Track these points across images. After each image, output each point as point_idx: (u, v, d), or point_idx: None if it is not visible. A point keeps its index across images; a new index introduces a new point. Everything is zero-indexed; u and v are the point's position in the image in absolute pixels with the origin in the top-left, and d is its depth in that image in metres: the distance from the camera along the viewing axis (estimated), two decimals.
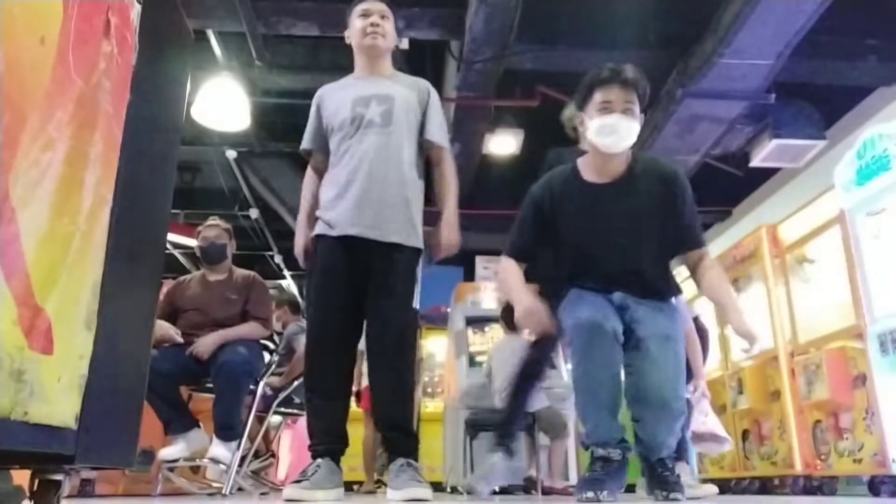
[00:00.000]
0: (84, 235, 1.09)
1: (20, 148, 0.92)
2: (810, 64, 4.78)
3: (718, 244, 6.27)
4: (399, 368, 2.25)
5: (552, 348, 3.40)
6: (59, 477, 1.18)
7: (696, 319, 3.54)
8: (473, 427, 4.27)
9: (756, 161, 5.53)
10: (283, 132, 6.22)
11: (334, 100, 2.41)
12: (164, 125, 1.49)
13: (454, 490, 4.89)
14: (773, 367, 4.58)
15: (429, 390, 6.99)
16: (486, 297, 5.86)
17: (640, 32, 4.65)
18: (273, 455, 4.27)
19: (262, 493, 3.57)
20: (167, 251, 4.35)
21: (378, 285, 2.24)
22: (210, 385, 3.17)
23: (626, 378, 2.11)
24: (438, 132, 2.42)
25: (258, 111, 5.49)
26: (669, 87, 4.94)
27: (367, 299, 2.25)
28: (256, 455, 3.79)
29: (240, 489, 3.30)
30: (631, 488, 3.05)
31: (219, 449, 3.02)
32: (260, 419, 3.64)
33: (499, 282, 2.40)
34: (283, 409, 3.77)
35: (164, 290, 3.37)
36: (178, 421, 3.07)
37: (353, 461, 4.11)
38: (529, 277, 2.27)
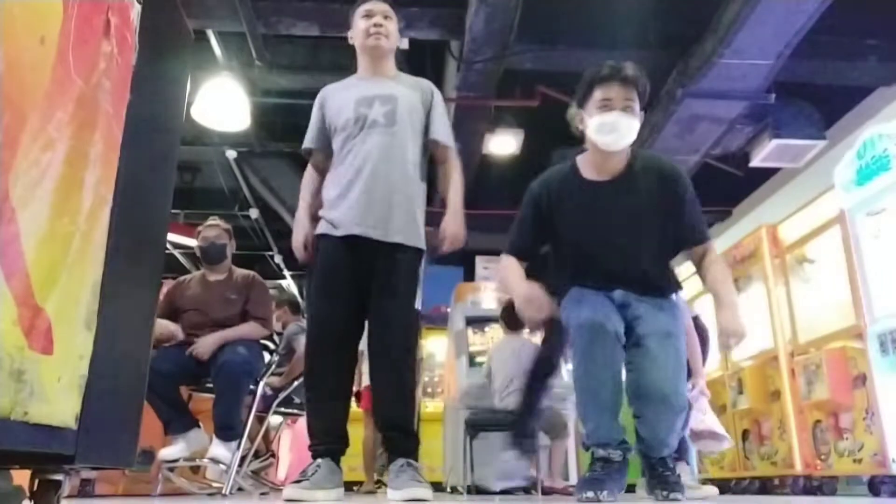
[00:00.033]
0: (84, 235, 1.09)
1: (20, 148, 0.92)
2: (810, 64, 4.78)
3: (718, 244, 6.24)
4: (401, 369, 2.25)
5: (562, 346, 3.39)
6: (59, 477, 1.18)
7: (696, 319, 3.54)
8: (473, 427, 4.27)
9: (756, 161, 5.53)
10: (283, 132, 6.21)
11: (337, 100, 2.41)
12: (164, 125, 1.49)
13: (454, 490, 4.90)
14: (773, 367, 4.58)
15: (429, 390, 6.99)
16: (486, 297, 5.87)
17: (640, 32, 4.65)
18: (273, 455, 4.27)
19: (262, 493, 3.57)
20: (167, 251, 4.36)
21: (381, 285, 2.24)
22: (210, 385, 3.17)
23: (627, 375, 2.11)
24: (444, 132, 2.43)
25: (258, 111, 5.48)
26: (669, 87, 4.94)
27: (370, 299, 2.25)
28: (256, 455, 3.79)
29: (240, 489, 3.30)
30: (631, 488, 3.05)
31: (219, 449, 3.02)
32: (260, 419, 3.64)
33: (499, 279, 2.40)
34: (283, 409, 3.78)
35: (164, 290, 3.38)
36: (178, 421, 3.07)
37: (353, 461, 4.11)
38: (531, 276, 2.27)
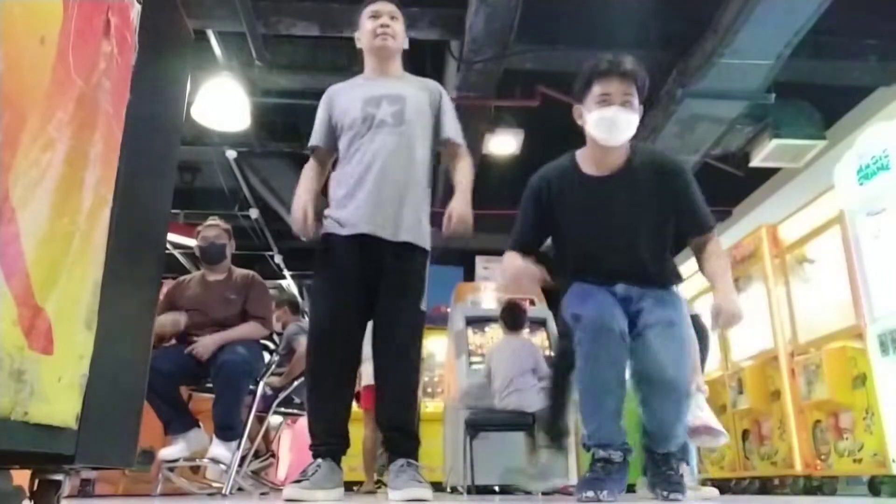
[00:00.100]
0: (84, 235, 1.09)
1: (20, 148, 0.92)
2: (810, 64, 4.78)
3: None
4: (405, 369, 2.25)
5: None
6: (59, 477, 1.18)
7: (695, 318, 3.54)
8: (473, 427, 4.27)
9: (756, 161, 5.53)
10: (283, 132, 6.21)
11: (344, 98, 2.41)
12: (164, 125, 1.49)
13: (454, 490, 4.90)
14: (773, 367, 4.58)
15: (429, 390, 6.99)
16: (486, 297, 5.87)
17: (640, 32, 4.64)
18: (273, 455, 4.27)
19: (262, 493, 3.57)
20: (167, 251, 4.36)
21: (389, 284, 2.24)
22: (210, 385, 3.17)
23: (631, 364, 2.10)
24: (456, 130, 2.45)
25: (258, 111, 5.48)
26: (669, 87, 4.93)
27: (377, 298, 2.25)
28: (256, 455, 3.79)
29: (240, 489, 3.30)
30: (631, 488, 3.05)
31: (219, 449, 3.02)
32: (260, 419, 3.64)
33: (500, 272, 2.40)
34: (283, 409, 3.78)
35: (164, 290, 3.38)
36: (178, 421, 3.07)
37: (353, 461, 4.11)
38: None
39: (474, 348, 5.41)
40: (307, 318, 5.29)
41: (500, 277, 2.29)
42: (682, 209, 2.19)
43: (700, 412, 3.17)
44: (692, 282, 3.63)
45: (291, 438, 5.66)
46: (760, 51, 4.33)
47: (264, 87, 5.27)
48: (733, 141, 5.58)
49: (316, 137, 2.46)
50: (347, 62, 4.99)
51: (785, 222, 4.73)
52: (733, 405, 4.92)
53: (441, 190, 5.68)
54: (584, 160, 2.24)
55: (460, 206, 2.29)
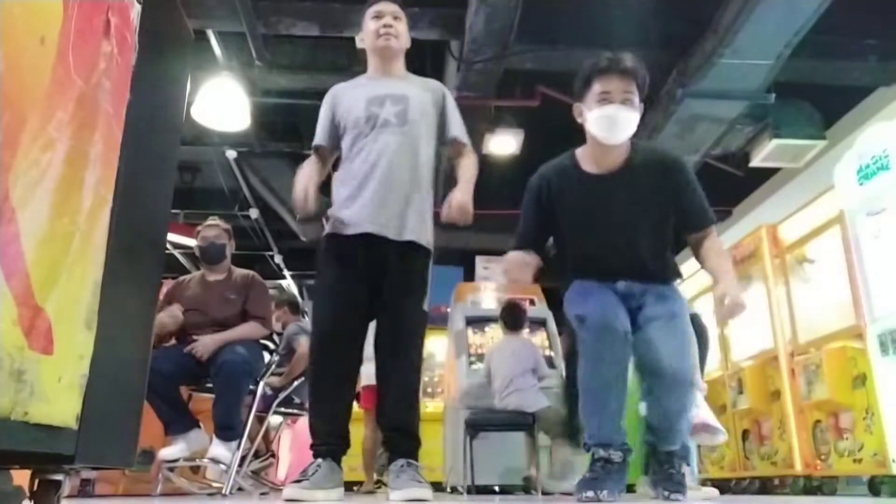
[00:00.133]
0: (84, 235, 1.09)
1: (20, 148, 0.92)
2: (810, 64, 4.78)
3: None
4: (407, 369, 2.26)
5: None
6: (59, 477, 1.18)
7: (695, 318, 3.53)
8: (473, 427, 4.27)
9: (756, 161, 5.53)
10: (283, 132, 6.22)
11: (347, 98, 2.42)
12: (164, 125, 1.49)
13: (454, 490, 4.90)
14: (773, 367, 4.58)
15: (429, 390, 6.99)
16: (486, 297, 5.87)
17: (640, 32, 4.64)
18: (273, 455, 4.27)
19: (262, 493, 3.57)
20: (167, 251, 4.36)
21: (392, 284, 2.24)
22: (210, 385, 3.17)
23: (635, 357, 2.10)
24: (461, 130, 2.46)
25: (258, 111, 5.49)
26: (669, 87, 4.93)
27: (380, 298, 2.25)
28: (256, 455, 3.79)
29: (240, 489, 3.29)
30: (631, 488, 3.05)
31: (219, 449, 3.02)
32: (260, 419, 3.64)
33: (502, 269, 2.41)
34: (283, 409, 3.78)
35: (164, 290, 3.38)
36: (179, 421, 3.07)
37: (353, 461, 4.11)
38: (547, 277, 2.29)
39: (474, 348, 5.41)
40: (307, 318, 5.31)
41: (500, 268, 2.31)
42: (683, 204, 2.18)
43: (698, 410, 3.17)
44: (692, 282, 3.63)
45: (291, 438, 5.66)
46: (760, 51, 4.33)
47: (264, 87, 5.27)
48: (733, 141, 5.58)
49: (319, 137, 2.46)
50: (347, 62, 4.99)
51: (785, 222, 4.73)
52: (733, 405, 4.92)
53: (441, 192, 5.68)
54: (584, 158, 2.23)
55: (461, 194, 2.29)
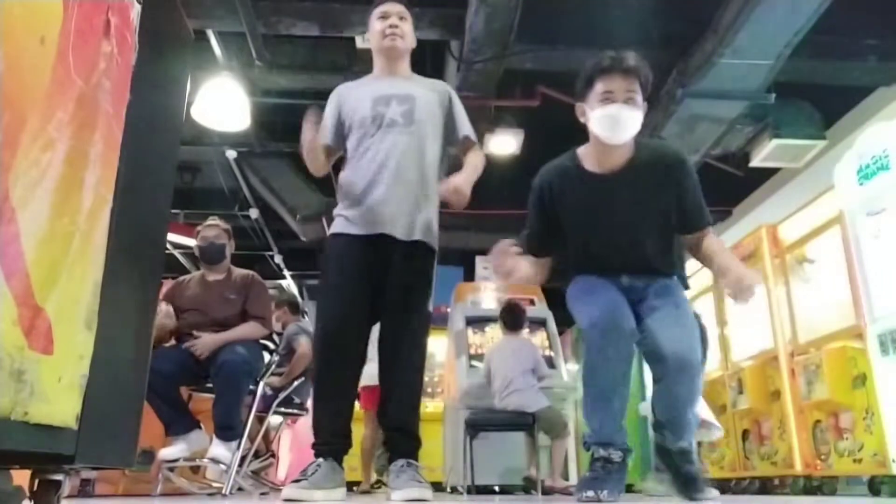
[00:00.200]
0: (84, 235, 1.09)
1: (20, 148, 0.92)
2: (810, 64, 4.78)
3: None
4: (410, 370, 2.26)
5: None
6: (59, 477, 1.18)
7: (695, 318, 3.54)
8: (473, 427, 4.27)
9: (756, 161, 5.53)
10: (283, 132, 6.21)
11: (353, 97, 2.43)
12: (164, 125, 1.49)
13: (454, 490, 4.90)
14: (773, 367, 4.58)
15: (429, 390, 6.99)
16: (486, 297, 5.87)
17: (640, 32, 4.64)
18: (273, 455, 4.27)
19: (262, 493, 3.57)
20: (167, 251, 4.36)
21: (397, 283, 2.24)
22: (210, 385, 3.17)
23: (642, 347, 2.09)
24: (469, 128, 2.49)
25: (258, 111, 5.48)
26: (669, 87, 4.93)
27: (384, 297, 2.25)
28: (256, 455, 3.79)
29: (240, 489, 3.30)
30: (630, 489, 3.05)
31: (219, 449, 3.02)
32: (260, 419, 3.64)
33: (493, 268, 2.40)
34: (283, 409, 3.78)
35: (164, 290, 3.38)
36: (179, 422, 3.07)
37: (354, 461, 4.12)
38: (557, 277, 2.29)
39: (474, 348, 5.41)
40: (307, 318, 5.30)
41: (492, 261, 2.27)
42: (683, 204, 2.17)
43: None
44: (692, 282, 3.62)
45: (291, 438, 5.66)
46: (760, 51, 4.32)
47: (264, 87, 5.27)
48: (733, 141, 5.57)
49: (324, 136, 2.46)
50: (347, 62, 4.99)
51: (785, 222, 4.73)
52: (733, 405, 4.92)
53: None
54: (587, 158, 2.22)
55: (461, 178, 2.30)
